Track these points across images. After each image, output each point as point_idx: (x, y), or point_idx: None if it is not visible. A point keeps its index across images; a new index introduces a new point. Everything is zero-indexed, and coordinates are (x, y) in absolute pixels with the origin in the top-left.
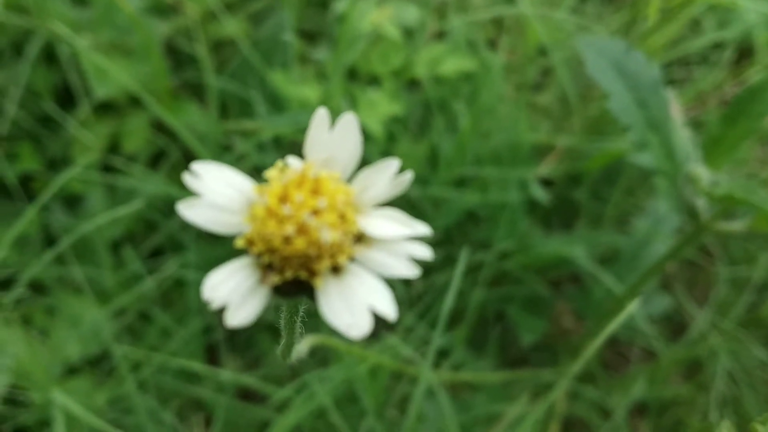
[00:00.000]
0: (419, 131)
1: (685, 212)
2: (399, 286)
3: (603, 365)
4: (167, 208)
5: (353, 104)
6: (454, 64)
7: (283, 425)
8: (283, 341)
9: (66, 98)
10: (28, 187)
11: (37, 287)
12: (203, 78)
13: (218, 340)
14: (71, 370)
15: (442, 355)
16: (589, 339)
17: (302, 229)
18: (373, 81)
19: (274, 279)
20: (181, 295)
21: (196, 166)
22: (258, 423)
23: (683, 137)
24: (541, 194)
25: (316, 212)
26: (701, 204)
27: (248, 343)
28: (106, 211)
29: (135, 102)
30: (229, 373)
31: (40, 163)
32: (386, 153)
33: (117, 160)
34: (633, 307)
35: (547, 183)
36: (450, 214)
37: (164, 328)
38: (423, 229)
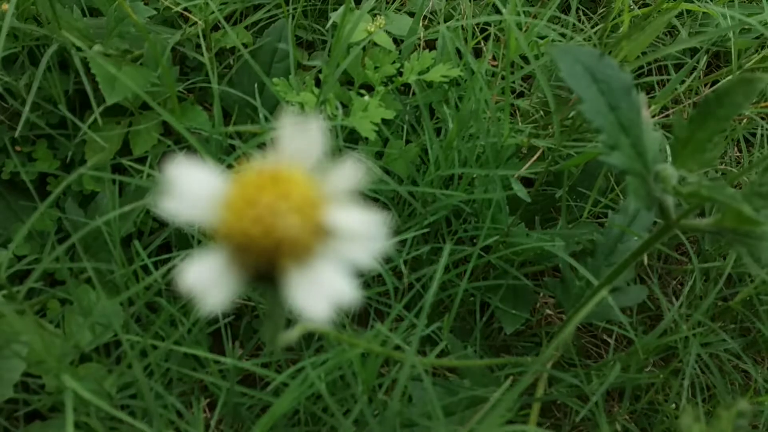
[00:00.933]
0: (411, 133)
1: (656, 210)
2: (389, 279)
3: (582, 354)
4: None
5: (347, 109)
6: (442, 71)
7: (280, 407)
8: (266, 328)
9: (79, 102)
10: (44, 188)
11: (52, 280)
12: (208, 84)
13: (221, 329)
14: (82, 358)
15: (430, 343)
16: (575, 325)
17: (267, 226)
18: (367, 87)
19: (242, 268)
20: None
21: (174, 164)
22: (259, 406)
23: (653, 139)
24: (522, 192)
25: (280, 210)
26: (670, 202)
27: (250, 332)
28: (115, 208)
29: (144, 106)
30: (231, 360)
31: (56, 164)
32: (379, 155)
33: (127, 161)
34: (605, 296)
35: (529, 182)
36: (438, 212)
37: (171, 317)
38: (380, 220)
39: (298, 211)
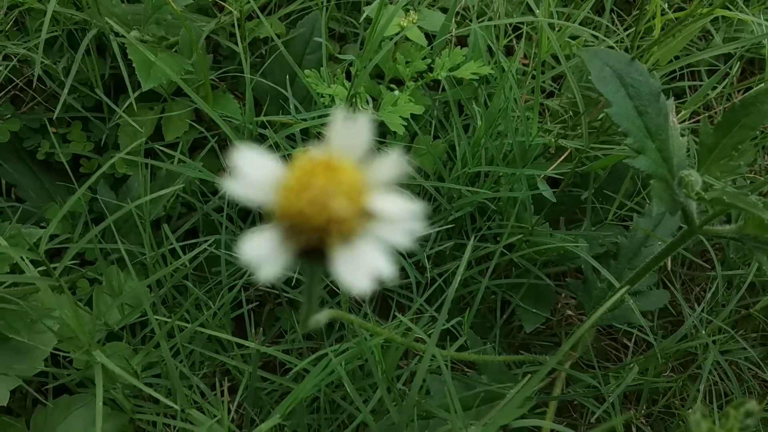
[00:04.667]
0: (440, 128)
1: (680, 215)
2: (411, 273)
3: (602, 356)
4: (203, 193)
5: (377, 102)
6: (472, 68)
7: (301, 392)
8: (303, 307)
9: (114, 86)
10: (77, 168)
11: (82, 260)
12: (241, 73)
13: (245, 315)
14: (110, 336)
15: (450, 338)
16: (592, 326)
17: (319, 207)
18: (397, 81)
19: (294, 244)
20: (213, 271)
21: (239, 148)
22: (279, 392)
23: (680, 144)
24: (548, 193)
25: (331, 193)
26: (693, 207)
27: (272, 319)
28: (147, 193)
29: (177, 93)
30: (254, 345)
31: (89, 146)
32: (407, 149)
33: (159, 146)
34: (625, 299)
35: (555, 182)
36: (463, 208)
37: (196, 300)
38: (418, 208)
39: (347, 194)
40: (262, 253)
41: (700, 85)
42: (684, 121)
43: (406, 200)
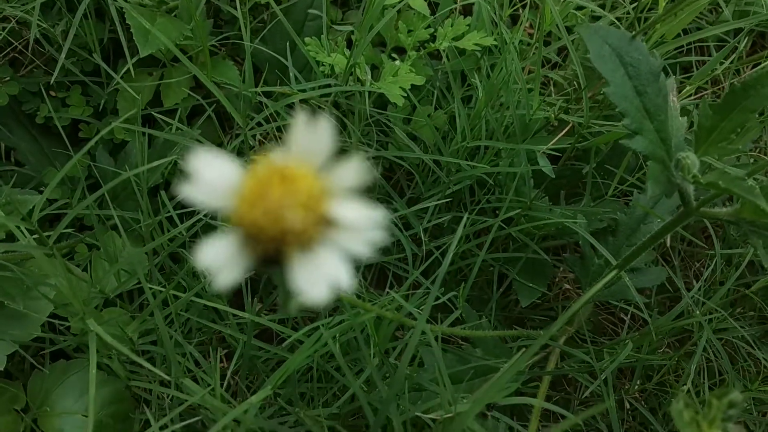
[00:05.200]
0: (441, 98)
1: (677, 196)
2: (407, 245)
3: (598, 330)
4: None
5: (378, 71)
6: (475, 39)
7: (294, 363)
8: (280, 294)
9: (113, 51)
10: (76, 134)
11: (80, 225)
12: (241, 39)
13: (241, 284)
14: (107, 302)
15: (447, 310)
16: (585, 304)
17: (273, 218)
18: (399, 50)
19: (252, 252)
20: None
21: (195, 154)
22: (274, 360)
23: (678, 125)
24: (548, 168)
25: (286, 204)
26: (690, 189)
27: (269, 288)
28: (145, 160)
29: (177, 58)
30: (249, 315)
31: (88, 111)
32: (407, 120)
33: (157, 113)
34: (621, 276)
35: (555, 157)
36: (461, 181)
37: (192, 269)
38: (380, 216)
39: (303, 205)
40: (220, 260)
41: (708, 59)
42: (689, 96)
43: (368, 208)
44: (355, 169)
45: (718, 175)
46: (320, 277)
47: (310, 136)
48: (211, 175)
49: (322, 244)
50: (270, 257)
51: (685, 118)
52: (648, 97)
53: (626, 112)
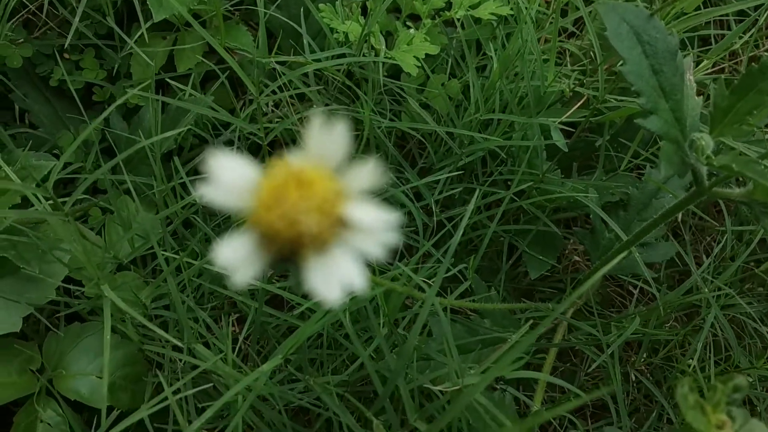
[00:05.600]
0: (455, 66)
1: (690, 176)
2: (418, 216)
3: (606, 303)
4: (214, 126)
5: (392, 38)
6: (491, 8)
7: (306, 332)
8: (291, 278)
9: (127, 13)
10: (89, 97)
11: (94, 188)
12: (255, 5)
13: None
14: (120, 266)
15: (456, 280)
16: (596, 281)
17: (289, 222)
18: (414, 17)
19: (267, 252)
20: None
21: (213, 156)
22: (284, 326)
23: (694, 105)
24: (561, 142)
25: (302, 209)
26: (703, 170)
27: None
28: (158, 129)
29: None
30: (261, 283)
31: (102, 74)
32: (420, 90)
33: (171, 78)
34: (632, 253)
35: (569, 129)
36: (474, 153)
37: (205, 235)
38: (393, 218)
39: (318, 209)
40: (237, 259)
41: (726, 33)
42: (706, 71)
43: (382, 210)
44: (369, 172)
45: (732, 157)
46: (334, 278)
47: (326, 138)
48: (229, 177)
49: (336, 245)
50: (285, 256)
51: (701, 97)
52: (664, 76)
53: (642, 91)
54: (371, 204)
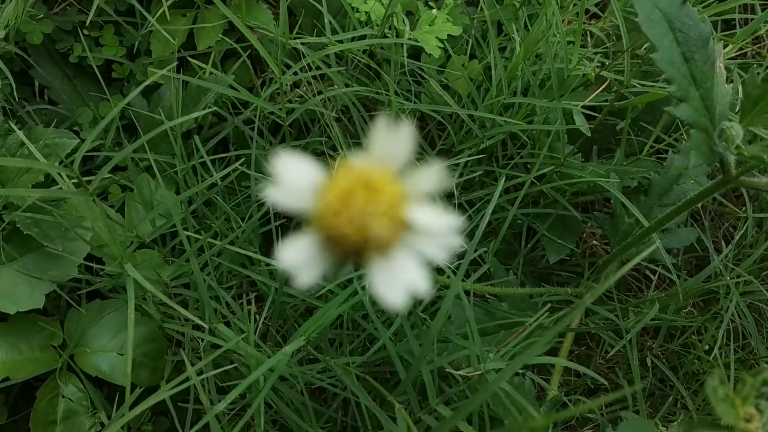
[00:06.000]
0: (476, 47)
1: (717, 163)
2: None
3: (623, 287)
4: (234, 104)
5: (413, 19)
6: None
7: (329, 314)
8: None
9: None
10: (109, 73)
11: (116, 165)
12: None
13: (272, 231)
14: (142, 246)
15: (474, 263)
16: (612, 263)
17: (358, 227)
18: None
19: (332, 254)
20: (242, 185)
21: (278, 157)
22: (303, 306)
23: (724, 92)
24: (584, 127)
25: (371, 213)
26: (731, 158)
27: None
28: (179, 108)
29: (211, 0)
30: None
31: (122, 51)
32: (440, 71)
33: (191, 55)
34: (653, 238)
35: (589, 113)
36: (495, 137)
37: (225, 215)
38: (455, 221)
39: (386, 214)
40: (300, 261)
41: (752, 18)
42: (730, 58)
43: (445, 214)
44: (434, 175)
45: (763, 148)
46: (398, 282)
47: (391, 140)
48: (294, 178)
49: (399, 249)
50: (348, 259)
51: (731, 85)
52: (695, 64)
53: (672, 79)
54: (434, 207)
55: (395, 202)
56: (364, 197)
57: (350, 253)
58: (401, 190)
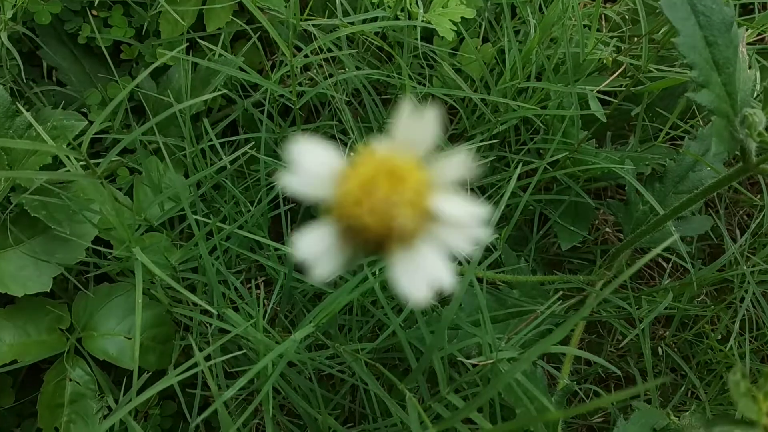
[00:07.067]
0: (489, 29)
1: (737, 151)
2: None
3: (635, 275)
4: (243, 87)
5: (427, 3)
6: None
7: (341, 302)
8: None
9: None
10: (118, 55)
11: (124, 148)
12: None
13: (281, 215)
14: (150, 229)
15: (485, 249)
16: (625, 251)
17: (381, 216)
18: None
19: (351, 245)
20: (252, 168)
21: (296, 141)
22: (311, 292)
23: (746, 78)
24: (600, 113)
25: (395, 202)
26: (752, 146)
27: (309, 218)
28: (188, 91)
29: None
30: (290, 250)
31: (131, 32)
32: (453, 54)
33: (200, 37)
34: (667, 226)
35: (603, 98)
36: (508, 121)
37: (234, 198)
38: (483, 211)
39: (410, 203)
40: (317, 252)
41: None
42: (748, 43)
43: (472, 204)
44: (460, 162)
45: None
46: (421, 275)
47: (416, 125)
48: (313, 163)
49: (422, 240)
50: (370, 249)
51: (753, 70)
52: (718, 49)
53: (694, 64)
54: (460, 196)
55: (420, 191)
56: (387, 185)
57: (371, 245)
58: (426, 178)
